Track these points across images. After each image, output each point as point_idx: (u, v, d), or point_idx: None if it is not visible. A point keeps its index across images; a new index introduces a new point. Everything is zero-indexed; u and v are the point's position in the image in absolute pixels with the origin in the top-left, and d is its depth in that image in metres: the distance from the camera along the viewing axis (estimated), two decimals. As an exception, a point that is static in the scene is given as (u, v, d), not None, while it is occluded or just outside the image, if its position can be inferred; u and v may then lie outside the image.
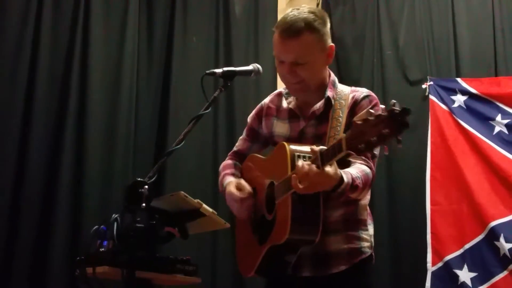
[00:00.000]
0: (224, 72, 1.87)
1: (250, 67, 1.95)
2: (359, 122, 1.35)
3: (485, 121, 3.55)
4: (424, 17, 3.86)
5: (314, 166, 1.50)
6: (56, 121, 3.29)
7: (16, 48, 3.25)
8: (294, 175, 1.53)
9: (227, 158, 2.07)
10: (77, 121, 3.32)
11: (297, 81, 1.79)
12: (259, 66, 1.96)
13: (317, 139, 1.76)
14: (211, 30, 3.86)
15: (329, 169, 1.50)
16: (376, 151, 1.73)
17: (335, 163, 1.52)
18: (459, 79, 3.67)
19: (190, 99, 3.52)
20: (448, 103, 3.64)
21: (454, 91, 3.65)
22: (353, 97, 1.80)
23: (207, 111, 1.79)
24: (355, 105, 1.78)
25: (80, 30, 3.42)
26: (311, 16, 1.75)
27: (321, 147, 1.52)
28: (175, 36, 3.71)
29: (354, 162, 1.68)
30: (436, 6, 3.87)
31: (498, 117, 3.54)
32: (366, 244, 1.78)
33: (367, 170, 1.67)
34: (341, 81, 1.91)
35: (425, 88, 3.71)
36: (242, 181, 1.87)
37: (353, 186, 1.59)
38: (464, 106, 3.62)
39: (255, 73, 1.94)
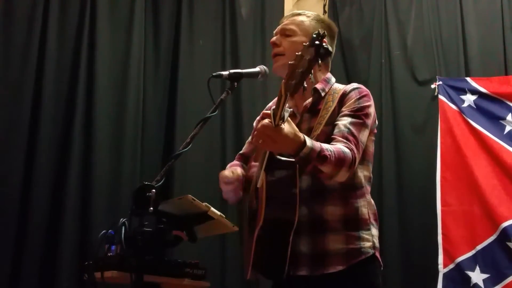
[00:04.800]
0: (230, 74, 1.88)
1: (256, 69, 1.94)
2: (290, 62, 1.46)
3: (496, 121, 3.52)
4: (432, 17, 3.83)
5: (266, 120, 1.53)
6: (63, 126, 3.29)
7: (23, 54, 3.25)
8: (255, 133, 1.58)
9: (234, 160, 2.11)
10: (84, 125, 3.32)
11: (279, 51, 1.88)
12: (265, 68, 1.96)
13: (310, 132, 1.77)
14: (217, 32, 3.85)
15: (283, 126, 1.52)
16: (357, 133, 1.73)
17: (292, 125, 1.56)
18: (468, 79, 3.64)
19: (197, 101, 3.52)
20: (458, 103, 3.62)
21: (463, 91, 3.62)
22: (344, 89, 1.84)
23: (214, 113, 1.79)
24: (344, 95, 1.82)
25: (86, 35, 3.42)
26: (315, 14, 1.96)
27: (273, 107, 1.54)
28: (181, 39, 3.71)
29: (334, 144, 1.69)
30: (444, 5, 3.84)
31: (509, 116, 3.50)
32: (367, 244, 1.75)
33: (345, 149, 1.67)
34: (349, 82, 1.91)
35: (434, 88, 3.69)
36: (238, 168, 1.90)
37: (320, 155, 1.58)
38: (474, 106, 3.59)
39: (262, 75, 1.94)
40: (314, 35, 1.43)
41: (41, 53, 3.28)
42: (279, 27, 1.95)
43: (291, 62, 1.46)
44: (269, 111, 1.53)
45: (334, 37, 1.96)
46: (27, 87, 3.22)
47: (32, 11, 3.31)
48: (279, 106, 1.48)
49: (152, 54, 3.68)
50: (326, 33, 1.50)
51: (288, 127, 1.53)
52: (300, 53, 1.44)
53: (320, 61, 1.44)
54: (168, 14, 3.76)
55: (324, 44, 1.43)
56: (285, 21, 1.94)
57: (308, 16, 1.93)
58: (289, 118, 1.53)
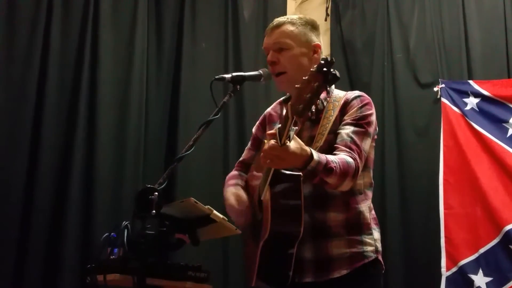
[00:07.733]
0: (233, 77, 1.88)
1: (259, 72, 1.94)
2: (297, 86, 1.43)
3: (499, 124, 3.51)
4: (435, 19, 3.83)
5: (272, 141, 1.52)
6: (66, 128, 3.30)
7: (26, 55, 3.26)
8: (261, 154, 1.57)
9: (233, 169, 2.12)
10: (87, 128, 3.33)
11: (280, 70, 1.86)
12: (268, 70, 1.95)
13: (311, 140, 1.77)
14: (220, 35, 3.86)
15: (289, 143, 1.52)
16: (360, 142, 1.74)
17: (298, 140, 1.56)
18: (471, 81, 3.64)
19: (200, 105, 3.52)
20: (461, 105, 3.61)
21: (466, 94, 3.61)
22: (345, 98, 1.84)
23: (216, 116, 1.79)
24: (346, 104, 1.82)
25: (89, 37, 3.43)
26: (296, 17, 1.92)
27: (279, 125, 1.53)
28: (184, 42, 3.72)
29: (338, 154, 1.70)
30: (447, 8, 3.84)
31: (512, 119, 3.50)
32: (369, 248, 1.77)
33: (349, 159, 1.68)
34: (351, 85, 1.92)
35: (437, 91, 3.68)
36: (240, 192, 1.91)
37: (327, 167, 1.59)
38: (477, 109, 3.58)
39: (264, 78, 1.94)
40: (322, 61, 1.39)
41: (44, 54, 3.29)
42: (270, 41, 1.90)
43: (298, 86, 1.43)
44: (273, 131, 1.53)
45: (318, 29, 1.94)
46: (30, 88, 3.23)
47: (35, 12, 3.32)
48: (286, 126, 1.48)
49: (155, 57, 3.68)
50: (333, 59, 1.44)
51: (294, 143, 1.53)
52: (307, 77, 1.41)
53: (328, 87, 1.41)
54: (171, 17, 3.77)
55: (332, 70, 1.39)
56: (274, 35, 1.89)
57: (294, 23, 1.89)
58: (294, 135, 1.53)
